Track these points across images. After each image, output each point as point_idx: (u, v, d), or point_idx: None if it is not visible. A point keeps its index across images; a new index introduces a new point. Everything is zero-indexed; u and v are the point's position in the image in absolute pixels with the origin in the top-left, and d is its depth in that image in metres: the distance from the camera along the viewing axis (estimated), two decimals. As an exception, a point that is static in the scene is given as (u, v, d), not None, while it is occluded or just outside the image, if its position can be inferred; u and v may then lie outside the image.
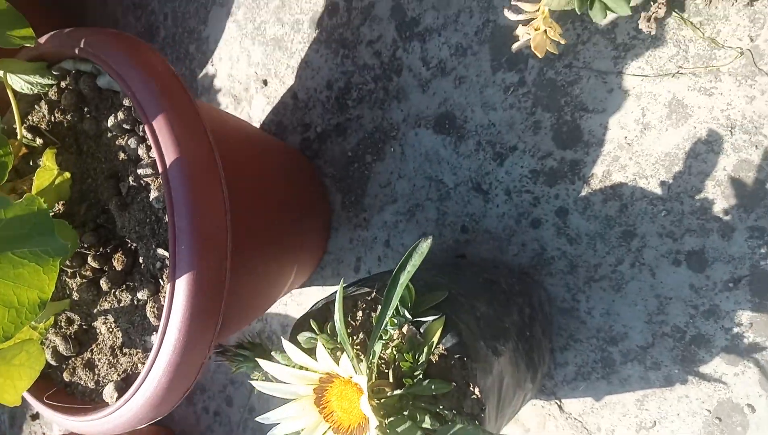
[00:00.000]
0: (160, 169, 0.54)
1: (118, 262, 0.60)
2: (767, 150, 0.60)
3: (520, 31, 0.60)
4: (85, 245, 0.62)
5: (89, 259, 0.62)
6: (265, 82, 0.95)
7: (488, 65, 0.75)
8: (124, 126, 0.60)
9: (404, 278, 0.46)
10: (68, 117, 0.65)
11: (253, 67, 0.96)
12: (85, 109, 0.64)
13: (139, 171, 0.59)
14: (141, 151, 0.59)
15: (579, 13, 0.55)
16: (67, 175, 0.62)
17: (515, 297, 0.67)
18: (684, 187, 0.64)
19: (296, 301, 0.95)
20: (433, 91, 0.79)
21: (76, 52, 0.60)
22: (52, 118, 0.66)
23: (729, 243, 0.62)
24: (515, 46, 0.60)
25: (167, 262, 0.55)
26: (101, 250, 0.62)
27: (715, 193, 0.62)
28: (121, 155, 0.61)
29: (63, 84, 0.65)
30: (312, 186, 0.89)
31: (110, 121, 0.61)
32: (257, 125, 0.96)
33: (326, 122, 0.89)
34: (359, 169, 0.86)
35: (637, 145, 0.66)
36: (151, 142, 0.54)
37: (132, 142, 0.60)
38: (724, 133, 0.61)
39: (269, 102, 0.94)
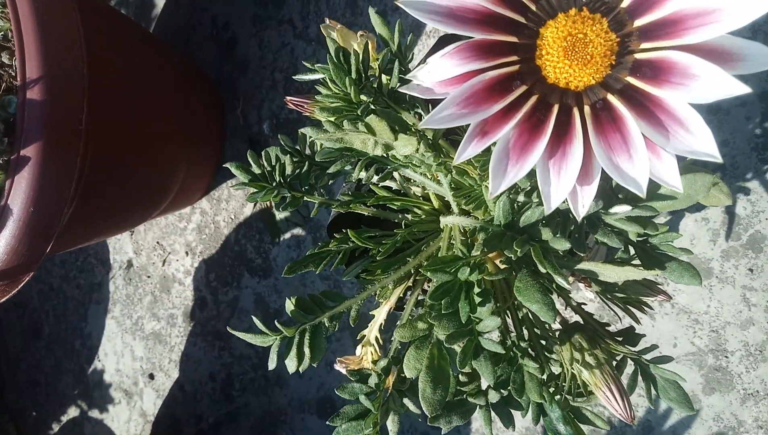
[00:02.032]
0: None
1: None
2: None
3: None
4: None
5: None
6: (151, 376, 0.95)
7: (352, 344, 0.78)
8: None
9: None
10: None
11: (138, 362, 0.96)
12: None
13: None
14: None
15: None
16: None
17: None
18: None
19: None
20: (309, 377, 0.81)
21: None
22: None
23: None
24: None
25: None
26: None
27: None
28: None
29: None
30: (215, 478, 0.88)
31: None
32: (151, 419, 0.95)
33: (217, 412, 0.89)
34: (258, 454, 0.86)
35: None
36: None
37: None
38: None
39: (159, 395, 0.94)
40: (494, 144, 0.29)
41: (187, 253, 0.90)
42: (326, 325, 0.43)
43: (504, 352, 0.36)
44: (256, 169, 0.48)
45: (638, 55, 0.29)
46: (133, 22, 0.86)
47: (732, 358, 0.58)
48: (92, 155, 0.59)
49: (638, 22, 0.29)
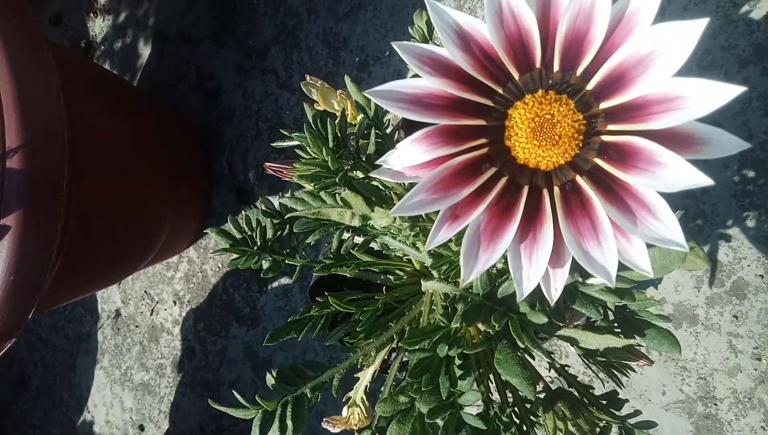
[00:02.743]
0: None
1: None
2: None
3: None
4: None
5: None
6: (141, 428, 0.94)
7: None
8: None
9: None
10: None
11: (128, 413, 0.95)
12: None
13: None
14: None
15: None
16: None
17: None
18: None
19: None
20: (300, 426, 0.80)
21: None
22: None
23: None
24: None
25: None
26: None
27: None
28: None
29: None
30: None
31: None
32: (142, 472, 0.93)
33: (208, 464, 0.88)
34: (250, 506, 0.85)
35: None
36: None
37: None
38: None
39: (149, 447, 0.93)
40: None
41: (175, 303, 0.90)
42: (308, 396, 0.43)
43: (485, 427, 0.36)
44: (237, 235, 0.48)
45: (605, 137, 0.29)
46: (116, 77, 0.86)
47: (721, 405, 0.57)
48: (75, 218, 0.59)
49: (604, 105, 0.29)
